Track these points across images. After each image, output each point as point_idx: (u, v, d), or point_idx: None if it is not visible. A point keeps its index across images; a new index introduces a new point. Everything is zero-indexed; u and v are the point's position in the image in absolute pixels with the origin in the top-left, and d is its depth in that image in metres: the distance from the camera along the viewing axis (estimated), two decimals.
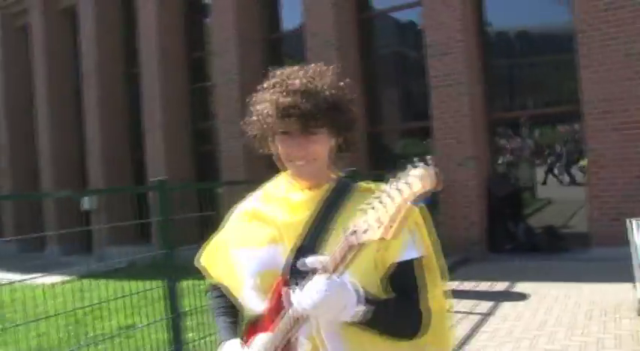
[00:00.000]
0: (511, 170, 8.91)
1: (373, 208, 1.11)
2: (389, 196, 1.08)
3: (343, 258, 1.18)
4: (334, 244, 1.23)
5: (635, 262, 4.70)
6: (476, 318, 5.05)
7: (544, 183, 8.67)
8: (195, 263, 1.58)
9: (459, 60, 7.80)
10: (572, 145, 8.46)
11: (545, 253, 7.32)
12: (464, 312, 5.21)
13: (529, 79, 8.83)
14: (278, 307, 1.34)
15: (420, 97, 8.73)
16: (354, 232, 1.14)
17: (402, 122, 9.98)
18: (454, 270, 6.69)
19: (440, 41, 7.92)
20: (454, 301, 5.44)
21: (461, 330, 4.65)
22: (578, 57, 7.15)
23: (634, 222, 4.70)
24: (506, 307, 5.31)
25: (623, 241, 4.96)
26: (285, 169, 1.44)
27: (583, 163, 7.79)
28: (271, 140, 1.41)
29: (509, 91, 8.98)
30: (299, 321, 1.26)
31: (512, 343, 4.36)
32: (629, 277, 4.89)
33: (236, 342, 1.43)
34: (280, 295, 1.34)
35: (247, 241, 1.45)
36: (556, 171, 8.67)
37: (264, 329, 1.36)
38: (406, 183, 1.05)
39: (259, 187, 1.53)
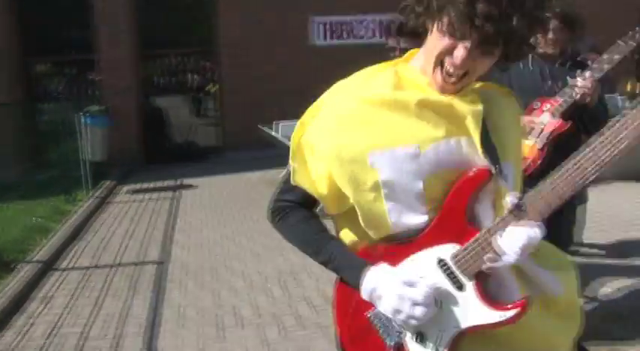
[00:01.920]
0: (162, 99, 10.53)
1: None
2: None
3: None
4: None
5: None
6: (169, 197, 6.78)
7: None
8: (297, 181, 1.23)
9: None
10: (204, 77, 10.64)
11: (190, 160, 9.36)
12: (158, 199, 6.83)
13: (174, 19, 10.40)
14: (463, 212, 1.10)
15: None
16: None
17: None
18: (128, 176, 8.16)
19: None
20: (146, 196, 7.02)
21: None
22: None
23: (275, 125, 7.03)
24: (185, 192, 7.18)
25: (249, 146, 7.37)
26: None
27: (213, 89, 10.13)
28: (431, 32, 1.11)
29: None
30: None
31: (208, 209, 6.27)
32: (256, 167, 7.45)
33: (386, 266, 1.13)
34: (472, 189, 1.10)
35: (404, 138, 1.12)
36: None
37: (417, 248, 1.13)
38: None
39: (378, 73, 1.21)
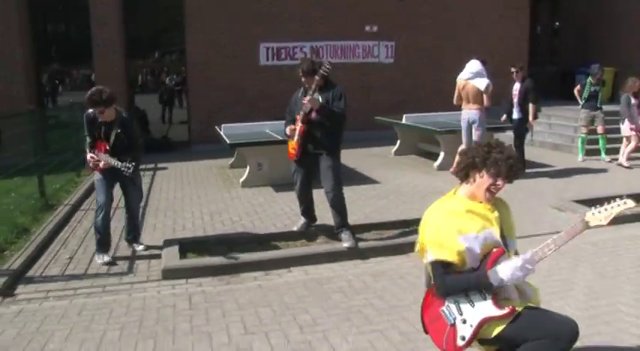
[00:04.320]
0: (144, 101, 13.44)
1: (606, 209, 2.64)
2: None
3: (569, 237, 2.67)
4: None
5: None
6: (149, 174, 9.71)
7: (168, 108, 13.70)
8: (437, 258, 2.71)
9: None
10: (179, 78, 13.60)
11: (164, 152, 12.28)
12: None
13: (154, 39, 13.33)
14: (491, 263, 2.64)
15: None
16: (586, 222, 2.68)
17: None
18: None
19: None
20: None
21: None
22: None
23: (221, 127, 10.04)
24: (160, 172, 10.11)
25: (209, 141, 10.22)
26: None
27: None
28: (481, 176, 2.75)
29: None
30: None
31: (173, 182, 9.23)
32: (212, 157, 10.38)
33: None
34: (495, 260, 2.64)
35: (471, 228, 2.69)
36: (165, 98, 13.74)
37: None
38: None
39: (447, 201, 2.87)
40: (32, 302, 4.46)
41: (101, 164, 5.19)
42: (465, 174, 2.85)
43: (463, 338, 2.70)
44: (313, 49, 13.02)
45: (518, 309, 2.66)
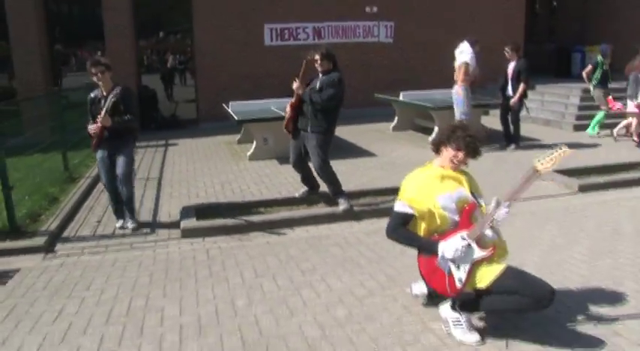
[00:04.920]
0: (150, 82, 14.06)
1: (550, 157, 3.18)
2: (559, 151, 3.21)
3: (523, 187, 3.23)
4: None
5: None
6: (162, 148, 10.37)
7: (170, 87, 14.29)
8: (403, 209, 3.42)
9: None
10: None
11: (173, 129, 12.92)
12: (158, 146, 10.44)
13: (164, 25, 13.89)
14: (468, 219, 3.30)
15: None
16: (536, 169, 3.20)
17: None
18: None
19: None
20: (149, 148, 10.60)
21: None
22: None
23: (229, 105, 10.64)
24: (172, 147, 10.77)
25: (217, 118, 10.86)
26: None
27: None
28: (447, 150, 3.46)
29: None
30: (487, 224, 3.22)
31: (184, 156, 9.88)
32: (220, 133, 11.01)
33: (443, 242, 3.34)
34: (470, 211, 3.32)
35: (445, 188, 3.38)
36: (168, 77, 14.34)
37: (452, 233, 3.32)
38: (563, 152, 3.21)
39: (424, 169, 3.54)
40: (71, 257, 5.16)
41: (98, 121, 5.49)
42: (436, 148, 3.60)
43: (460, 280, 3.35)
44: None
45: (501, 252, 3.40)
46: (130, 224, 5.90)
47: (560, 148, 3.29)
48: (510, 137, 9.61)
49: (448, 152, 3.51)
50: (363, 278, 4.38)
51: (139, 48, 13.29)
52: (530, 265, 4.46)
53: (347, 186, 6.37)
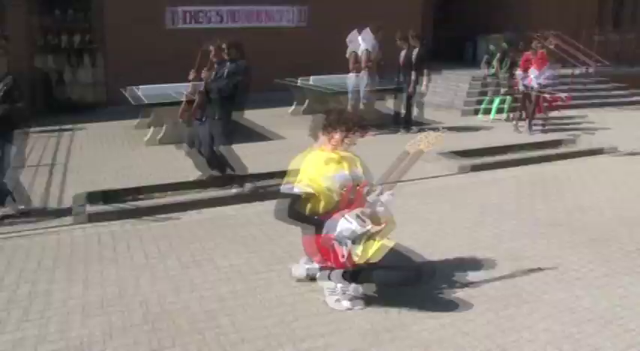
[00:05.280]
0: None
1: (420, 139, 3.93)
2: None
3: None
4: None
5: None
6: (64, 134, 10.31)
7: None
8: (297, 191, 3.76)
9: None
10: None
11: (76, 113, 12.64)
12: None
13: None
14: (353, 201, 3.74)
15: None
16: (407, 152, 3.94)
17: None
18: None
19: None
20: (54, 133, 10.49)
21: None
22: None
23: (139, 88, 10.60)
24: (79, 132, 10.72)
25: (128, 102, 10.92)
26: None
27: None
28: (337, 132, 3.85)
29: None
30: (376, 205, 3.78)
31: (92, 141, 9.90)
32: (129, 116, 11.08)
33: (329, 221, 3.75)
34: (357, 191, 3.77)
35: (330, 170, 3.76)
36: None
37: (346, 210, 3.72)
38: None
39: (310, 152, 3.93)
40: None
41: None
42: (323, 132, 4.01)
43: (357, 255, 3.71)
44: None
45: (391, 226, 3.88)
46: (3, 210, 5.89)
47: (434, 132, 3.90)
48: (405, 121, 10.39)
49: (337, 134, 3.89)
50: (249, 256, 4.92)
51: (34, 27, 12.84)
52: (417, 239, 5.15)
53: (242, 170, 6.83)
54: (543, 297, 4.19)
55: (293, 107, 12.18)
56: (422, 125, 10.52)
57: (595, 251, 5.09)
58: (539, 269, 4.66)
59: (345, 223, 3.70)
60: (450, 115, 12.31)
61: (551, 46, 11.12)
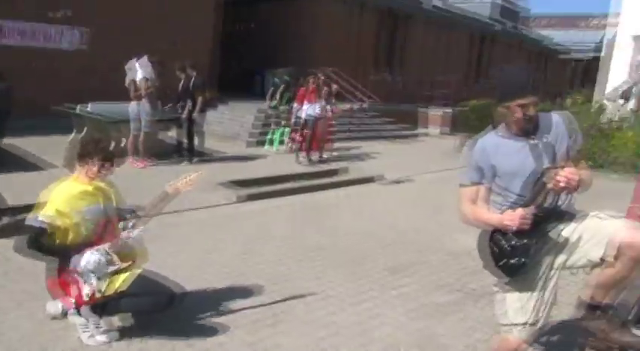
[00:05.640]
0: None
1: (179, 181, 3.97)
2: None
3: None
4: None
5: None
6: None
7: None
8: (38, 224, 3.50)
9: None
10: None
11: None
12: None
13: None
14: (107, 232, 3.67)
15: None
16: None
17: None
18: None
19: None
20: None
21: None
22: None
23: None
24: None
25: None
26: None
27: None
28: (93, 162, 3.73)
29: None
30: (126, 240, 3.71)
31: None
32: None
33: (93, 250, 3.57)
34: (105, 226, 3.69)
35: (83, 204, 3.61)
36: None
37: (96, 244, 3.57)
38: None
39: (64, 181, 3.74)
40: None
41: None
42: (72, 164, 3.87)
43: (100, 291, 3.61)
44: None
45: (143, 259, 3.83)
46: None
47: (194, 173, 4.02)
48: (188, 150, 10.41)
49: (94, 165, 3.75)
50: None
51: None
52: (183, 267, 5.10)
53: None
54: (301, 316, 4.49)
55: (72, 135, 11.36)
56: (203, 156, 10.64)
57: (351, 271, 5.60)
58: (301, 290, 4.98)
59: (91, 256, 3.61)
60: (234, 145, 12.63)
61: (320, 81, 11.96)
